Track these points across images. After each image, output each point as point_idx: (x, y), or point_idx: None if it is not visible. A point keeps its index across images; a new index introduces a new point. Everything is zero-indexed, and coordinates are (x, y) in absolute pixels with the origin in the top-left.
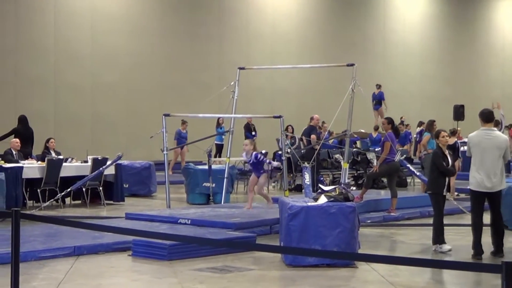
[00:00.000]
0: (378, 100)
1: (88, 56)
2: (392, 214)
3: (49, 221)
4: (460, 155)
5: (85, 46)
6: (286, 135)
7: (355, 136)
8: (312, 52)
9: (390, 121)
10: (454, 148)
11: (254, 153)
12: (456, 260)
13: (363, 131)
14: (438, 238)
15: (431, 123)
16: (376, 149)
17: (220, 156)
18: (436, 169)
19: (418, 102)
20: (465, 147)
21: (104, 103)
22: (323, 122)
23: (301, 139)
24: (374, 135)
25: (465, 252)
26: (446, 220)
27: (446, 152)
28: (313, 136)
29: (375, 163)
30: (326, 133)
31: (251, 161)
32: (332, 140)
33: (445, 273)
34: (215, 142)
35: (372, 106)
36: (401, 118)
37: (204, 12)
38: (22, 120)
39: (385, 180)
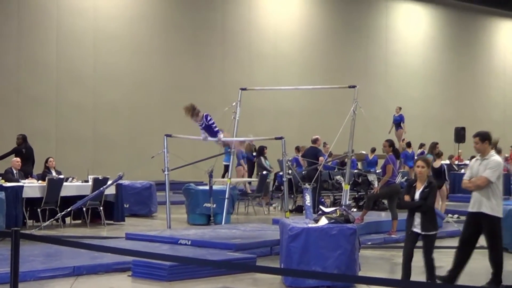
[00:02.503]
0: (398, 123)
1: (90, 75)
2: (392, 236)
3: (49, 241)
4: (447, 178)
5: (87, 65)
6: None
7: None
8: (314, 73)
9: (391, 143)
10: (440, 172)
11: (204, 114)
12: (457, 283)
13: (364, 152)
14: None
15: (434, 145)
16: (377, 171)
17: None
18: None
19: (420, 124)
20: (463, 170)
21: (106, 123)
22: (325, 143)
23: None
24: (370, 157)
25: (466, 275)
26: (447, 242)
27: (424, 182)
28: (321, 158)
29: (376, 185)
30: (327, 154)
31: (203, 125)
32: (331, 161)
33: None
34: (223, 162)
35: (391, 128)
36: (403, 140)
37: (207, 32)
38: (23, 139)
39: (385, 201)
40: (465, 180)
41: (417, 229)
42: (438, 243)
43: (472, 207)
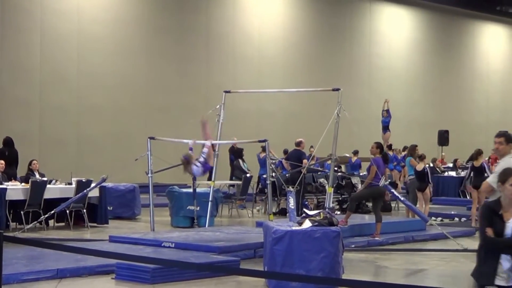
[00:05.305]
0: (387, 125)
1: (74, 78)
2: (376, 238)
3: (32, 243)
4: (430, 180)
5: (71, 68)
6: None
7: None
8: (298, 76)
9: (378, 145)
10: (423, 174)
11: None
12: (441, 286)
13: (347, 155)
14: None
15: (413, 148)
16: (361, 174)
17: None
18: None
19: (403, 127)
20: (447, 173)
21: (89, 125)
22: (310, 146)
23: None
24: (353, 159)
25: (450, 277)
26: (430, 245)
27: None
28: (305, 161)
29: (359, 188)
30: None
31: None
32: (313, 164)
33: None
34: None
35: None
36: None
37: (191, 34)
38: (8, 142)
39: (369, 204)
40: None
41: (503, 280)
42: (421, 245)
43: None
